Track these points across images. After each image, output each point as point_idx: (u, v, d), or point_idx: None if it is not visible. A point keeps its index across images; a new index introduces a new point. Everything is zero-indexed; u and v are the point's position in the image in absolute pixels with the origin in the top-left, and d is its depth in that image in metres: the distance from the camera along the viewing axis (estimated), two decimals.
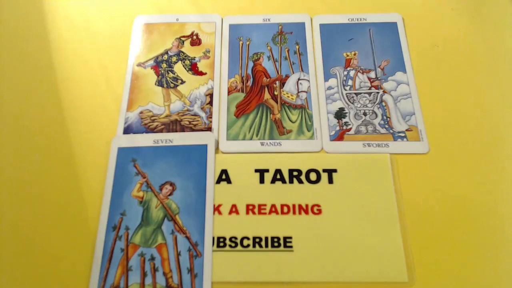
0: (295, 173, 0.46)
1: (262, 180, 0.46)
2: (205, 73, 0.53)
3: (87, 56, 0.54)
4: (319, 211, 0.44)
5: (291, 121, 0.50)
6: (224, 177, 0.46)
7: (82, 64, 0.54)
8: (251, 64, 0.54)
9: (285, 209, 0.44)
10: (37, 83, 0.52)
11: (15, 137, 0.49)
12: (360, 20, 0.56)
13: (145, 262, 0.42)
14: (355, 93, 0.51)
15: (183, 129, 0.49)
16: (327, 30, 0.55)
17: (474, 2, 0.58)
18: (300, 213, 0.44)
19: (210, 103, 0.51)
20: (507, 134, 0.48)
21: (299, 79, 0.52)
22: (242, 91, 0.52)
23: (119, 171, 0.46)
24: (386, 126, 0.49)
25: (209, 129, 0.49)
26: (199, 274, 0.41)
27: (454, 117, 0.49)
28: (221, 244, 0.42)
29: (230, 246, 0.42)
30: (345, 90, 0.51)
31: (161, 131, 0.49)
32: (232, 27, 0.56)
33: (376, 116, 0.50)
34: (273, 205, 0.44)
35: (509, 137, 0.48)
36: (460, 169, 0.46)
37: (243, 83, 0.52)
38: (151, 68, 0.54)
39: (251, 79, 0.53)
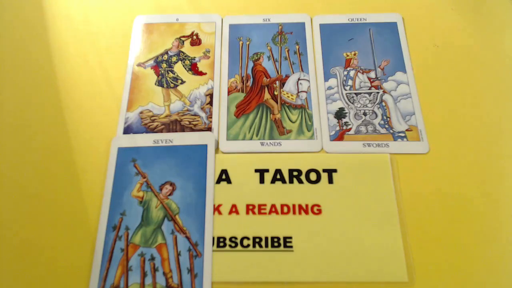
0: (295, 173, 0.46)
1: (262, 180, 0.46)
2: (205, 73, 0.53)
3: (87, 56, 0.54)
4: (319, 211, 0.44)
5: (291, 121, 0.50)
6: (224, 177, 0.46)
7: (82, 64, 0.54)
8: (251, 64, 0.54)
9: (285, 209, 0.44)
10: (37, 83, 0.52)
11: (15, 137, 0.49)
12: (360, 20, 0.56)
13: (145, 262, 0.42)
14: (355, 93, 0.51)
15: (183, 129, 0.49)
16: (327, 30, 0.55)
17: (474, 2, 0.58)
18: (300, 213, 0.44)
19: (210, 103, 0.51)
20: (507, 134, 0.48)
21: (299, 79, 0.52)
22: (242, 91, 0.52)
23: (119, 171, 0.46)
24: (386, 126, 0.49)
25: (209, 129, 0.49)
26: (199, 274, 0.41)
27: (454, 117, 0.49)
28: (221, 244, 0.42)
29: (230, 246, 0.42)
30: (345, 90, 0.51)
31: (161, 131, 0.49)
32: (232, 27, 0.56)
33: (376, 116, 0.50)
34: (273, 205, 0.44)
35: (509, 137, 0.48)
36: (460, 169, 0.46)
37: (243, 83, 0.52)
38: (151, 68, 0.54)
39: (251, 79, 0.53)
